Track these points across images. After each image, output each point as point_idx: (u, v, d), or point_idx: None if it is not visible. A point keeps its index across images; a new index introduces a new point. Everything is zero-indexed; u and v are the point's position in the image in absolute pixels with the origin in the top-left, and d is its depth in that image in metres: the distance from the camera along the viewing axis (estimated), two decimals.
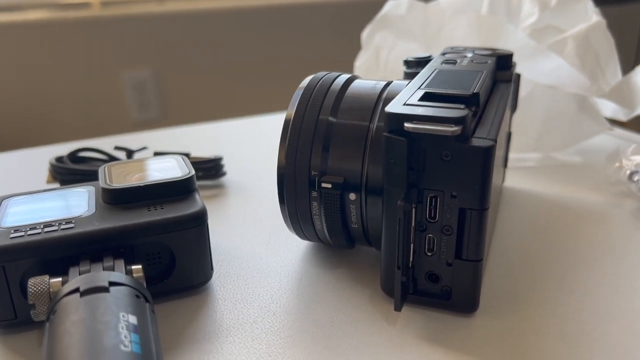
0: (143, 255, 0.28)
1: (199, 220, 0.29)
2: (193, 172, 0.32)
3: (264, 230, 0.37)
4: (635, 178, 0.39)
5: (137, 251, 0.28)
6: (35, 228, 0.27)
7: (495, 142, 0.25)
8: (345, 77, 0.33)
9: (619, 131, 0.53)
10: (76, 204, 0.30)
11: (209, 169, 0.43)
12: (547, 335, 0.27)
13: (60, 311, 0.22)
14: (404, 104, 0.27)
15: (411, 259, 0.28)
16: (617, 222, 0.37)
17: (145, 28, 1.43)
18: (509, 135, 0.41)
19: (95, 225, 0.28)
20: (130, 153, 0.44)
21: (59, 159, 0.43)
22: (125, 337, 0.21)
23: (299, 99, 0.32)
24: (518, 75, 0.40)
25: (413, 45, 0.48)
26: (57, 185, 0.43)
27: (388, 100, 0.30)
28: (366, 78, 0.51)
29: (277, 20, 1.56)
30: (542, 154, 0.48)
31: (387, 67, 0.50)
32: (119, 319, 0.21)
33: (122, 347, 0.20)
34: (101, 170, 0.33)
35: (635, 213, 0.38)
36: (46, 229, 0.27)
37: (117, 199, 0.30)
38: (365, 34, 0.53)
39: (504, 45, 0.44)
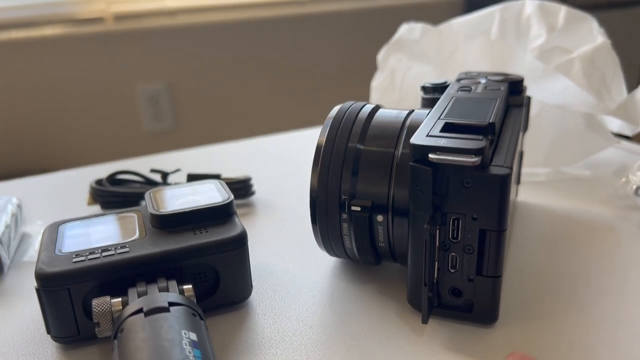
0: (191, 275, 0.31)
1: (241, 242, 0.32)
2: (232, 197, 0.35)
3: (294, 247, 0.40)
4: None
5: (185, 271, 0.31)
6: (94, 252, 0.30)
7: (512, 169, 0.28)
8: (370, 106, 0.36)
9: (625, 144, 0.55)
10: (127, 228, 0.33)
11: (239, 189, 0.46)
12: (561, 343, 0.29)
13: (127, 330, 0.25)
14: (427, 135, 0.29)
15: (436, 276, 0.30)
16: (624, 234, 0.40)
17: (157, 41, 1.47)
18: (522, 154, 0.44)
19: (148, 249, 0.30)
20: (165, 175, 0.46)
21: (99, 182, 0.46)
22: (189, 352, 0.23)
23: (329, 127, 0.34)
24: (529, 98, 0.43)
25: (427, 68, 0.51)
26: (97, 206, 0.45)
27: (411, 128, 0.33)
28: (383, 99, 0.54)
29: (290, 32, 1.59)
30: (552, 168, 0.50)
31: (402, 88, 0.53)
32: (182, 336, 0.24)
33: None
34: (147, 196, 0.35)
35: None
36: (104, 254, 0.30)
37: (165, 223, 0.33)
38: (380, 56, 0.55)
39: (514, 68, 0.46)
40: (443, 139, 0.29)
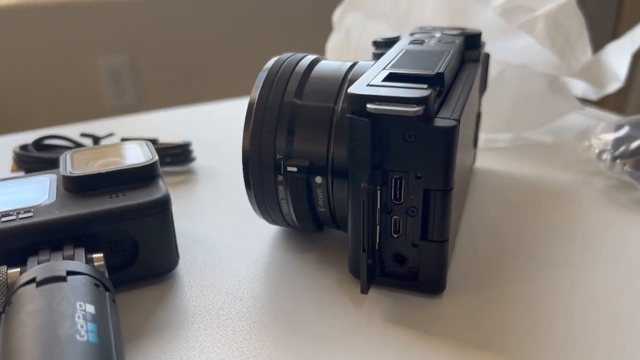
0: (105, 243, 0.28)
1: (163, 206, 0.29)
2: (156, 157, 0.31)
3: (233, 216, 0.36)
4: (604, 157, 0.39)
5: (98, 240, 0.28)
6: None
7: (459, 122, 0.25)
8: (310, 58, 0.32)
9: (590, 110, 0.53)
10: (36, 192, 0.29)
11: (178, 155, 0.42)
12: (512, 313, 0.27)
13: (15, 302, 0.22)
14: (368, 85, 0.26)
15: (377, 241, 0.27)
16: (586, 200, 0.38)
17: (119, 13, 1.40)
18: (479, 115, 0.41)
19: (54, 213, 0.27)
20: (96, 140, 0.43)
21: (24, 147, 0.42)
22: (81, 326, 0.20)
23: (262, 81, 0.31)
24: (487, 55, 0.40)
25: (384, 26, 0.47)
26: (21, 174, 0.42)
27: (353, 81, 0.30)
28: (338, 59, 0.51)
29: (252, 3, 1.54)
30: (514, 134, 0.48)
31: (358, 48, 0.49)
32: (76, 308, 0.21)
33: (78, 337, 0.20)
34: (62, 158, 0.32)
35: (603, 191, 0.38)
36: (3, 219, 0.26)
37: (78, 186, 0.29)
38: (336, 16, 0.52)
39: (473, 24, 0.43)
40: (384, 89, 0.26)
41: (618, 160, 0.38)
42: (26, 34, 1.32)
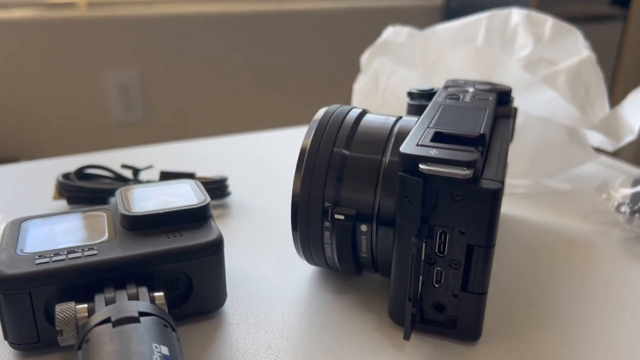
0: (162, 281, 0.29)
1: (217, 247, 0.30)
2: (209, 199, 0.33)
3: (270, 253, 0.38)
4: (622, 209, 0.41)
5: (157, 277, 0.29)
6: (59, 254, 0.28)
7: (503, 183, 0.27)
8: (357, 111, 0.34)
9: (604, 159, 0.55)
10: (96, 229, 0.31)
11: (214, 190, 0.44)
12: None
13: (93, 341, 0.23)
14: (418, 144, 0.28)
15: (419, 290, 0.29)
16: (605, 250, 0.40)
17: (131, 30, 1.43)
18: (506, 165, 0.43)
19: (117, 252, 0.29)
20: (136, 172, 0.44)
21: (66, 176, 0.43)
22: None
23: (314, 130, 0.33)
24: (516, 109, 0.42)
25: (411, 72, 0.50)
26: (63, 201, 0.43)
27: (399, 135, 0.32)
28: (365, 102, 0.53)
29: (269, 28, 1.57)
30: (533, 180, 0.50)
31: (385, 92, 0.52)
32: (152, 350, 0.22)
33: None
34: (118, 195, 0.34)
35: (621, 243, 0.40)
36: (70, 256, 0.28)
37: (136, 225, 0.31)
38: (364, 58, 0.54)
39: (499, 76, 0.46)
40: (434, 149, 0.28)
41: (637, 215, 0.40)
42: (38, 47, 1.34)
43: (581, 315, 0.32)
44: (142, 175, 0.45)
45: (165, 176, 0.44)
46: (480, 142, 0.29)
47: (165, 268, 0.29)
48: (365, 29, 1.71)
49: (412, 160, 0.27)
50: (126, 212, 0.31)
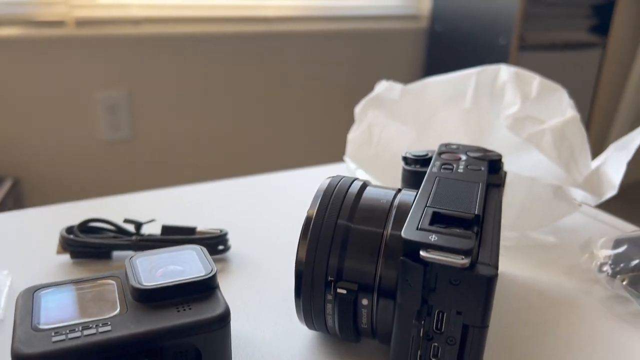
0: (172, 353, 0.31)
1: (225, 321, 0.32)
2: (215, 269, 0.34)
3: (271, 315, 0.39)
4: (604, 269, 0.43)
5: (167, 350, 0.30)
6: (74, 330, 0.29)
7: (497, 268, 0.29)
8: (359, 183, 0.36)
9: (588, 209, 0.58)
10: (107, 300, 0.32)
11: (214, 245, 0.45)
12: None
13: None
14: (417, 228, 0.30)
15: None
16: (587, 310, 0.42)
17: (119, 49, 1.44)
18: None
19: (131, 328, 0.30)
20: (139, 226, 0.45)
21: (69, 230, 0.44)
22: None
23: (319, 200, 0.35)
24: (505, 174, 0.44)
25: (404, 128, 0.52)
26: (66, 255, 0.44)
27: (399, 209, 0.34)
28: (359, 152, 0.55)
29: (259, 50, 1.59)
30: (519, 233, 0.52)
31: (379, 144, 0.53)
32: None
33: None
34: (127, 265, 0.35)
35: (603, 302, 0.43)
36: (85, 332, 0.29)
37: (147, 298, 0.32)
38: (358, 110, 0.56)
39: (489, 138, 0.48)
40: (433, 235, 0.29)
41: (618, 276, 0.42)
42: (26, 65, 1.34)
43: None
44: (145, 229, 0.46)
45: (167, 231, 0.45)
46: (475, 223, 0.31)
47: (175, 342, 0.30)
48: (352, 52, 1.74)
49: (414, 247, 0.29)
50: (138, 285, 0.32)
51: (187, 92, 1.55)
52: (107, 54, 1.43)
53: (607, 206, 0.60)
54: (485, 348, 0.30)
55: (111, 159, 1.53)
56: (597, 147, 0.54)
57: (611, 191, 0.51)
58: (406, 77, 1.77)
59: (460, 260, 0.28)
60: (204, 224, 0.47)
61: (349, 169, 0.59)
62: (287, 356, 0.36)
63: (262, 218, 0.54)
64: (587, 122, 1.88)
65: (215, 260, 0.45)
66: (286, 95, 1.68)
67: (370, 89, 0.56)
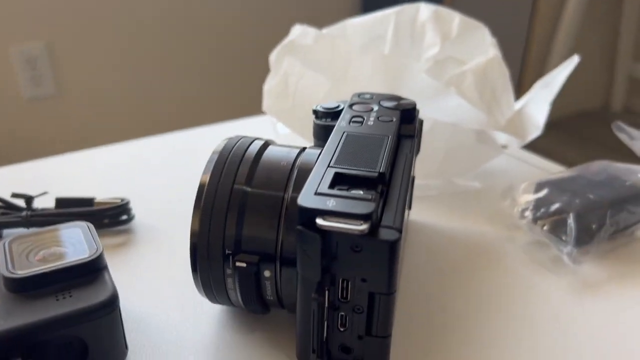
0: (53, 348, 0.28)
1: (112, 306, 0.29)
2: (101, 248, 0.31)
3: (175, 290, 0.37)
4: (526, 214, 0.42)
5: (47, 345, 0.27)
6: None
7: (401, 232, 0.27)
8: (259, 143, 0.33)
9: (514, 151, 0.57)
10: None
11: (116, 215, 0.42)
12: None
13: None
14: (316, 193, 0.27)
15: (324, 335, 0.29)
16: (510, 258, 0.41)
17: None
18: (413, 179, 0.43)
19: (0, 324, 0.26)
20: (29, 200, 0.41)
21: None
22: None
23: (213, 164, 0.32)
24: (421, 122, 0.42)
25: (321, 77, 0.48)
26: None
27: (301, 170, 0.31)
28: (276, 105, 0.52)
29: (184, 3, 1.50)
30: (444, 180, 0.50)
31: (295, 95, 0.50)
32: None
33: None
34: (1, 250, 0.31)
35: (524, 248, 0.42)
36: None
37: (21, 287, 0.29)
38: (273, 57, 0.52)
39: (407, 84, 0.45)
40: (332, 199, 0.27)
41: (538, 222, 0.41)
42: None
43: (487, 334, 0.34)
44: (37, 202, 0.42)
45: (62, 203, 0.41)
46: (379, 181, 0.29)
47: (55, 336, 0.27)
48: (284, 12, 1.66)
49: (310, 214, 0.26)
50: (9, 274, 0.29)
51: (111, 41, 1.46)
52: (21, 2, 1.32)
53: (546, 140, 0.59)
54: (394, 312, 0.29)
55: (34, 118, 1.44)
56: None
57: (535, 132, 0.50)
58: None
59: (359, 227, 0.25)
60: (105, 193, 0.43)
61: (270, 122, 0.56)
62: (192, 335, 0.33)
63: (169, 182, 0.50)
64: (523, 59, 1.89)
65: (116, 232, 0.42)
66: (210, 39, 1.60)
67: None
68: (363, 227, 0.25)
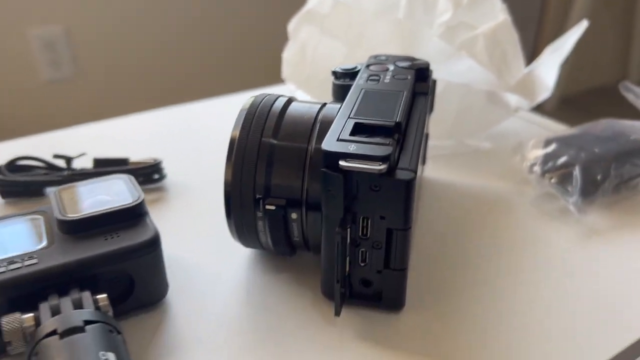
0: (104, 282, 0.31)
1: (154, 245, 0.32)
2: (142, 195, 0.34)
3: (208, 237, 0.40)
4: (534, 169, 0.45)
5: (98, 279, 0.31)
6: None
7: (416, 172, 0.30)
8: (283, 100, 0.36)
9: (523, 113, 0.59)
10: (33, 234, 0.32)
11: (149, 174, 0.45)
12: (463, 324, 0.32)
13: (42, 354, 0.25)
14: (338, 139, 0.30)
15: (347, 270, 0.32)
16: (520, 211, 0.43)
17: None
18: (427, 136, 0.45)
19: (58, 259, 0.30)
20: (69, 160, 0.44)
21: None
22: None
23: (242, 120, 0.34)
24: (434, 82, 0.44)
25: (337, 44, 0.51)
26: None
27: (323, 123, 0.34)
28: (295, 73, 0.54)
29: None
30: (455, 140, 0.53)
31: (313, 63, 0.52)
32: (99, 358, 0.24)
33: None
34: (53, 197, 0.34)
35: (532, 201, 0.44)
36: (11, 267, 0.29)
37: (73, 229, 0.32)
38: (291, 26, 0.55)
39: (422, 48, 0.47)
40: (353, 144, 0.29)
41: (546, 175, 0.43)
42: None
43: (498, 276, 0.36)
44: (76, 163, 0.45)
45: (99, 163, 0.45)
46: (396, 130, 0.31)
47: (106, 270, 0.31)
48: None
49: (333, 157, 0.29)
50: (62, 217, 0.32)
51: (131, 26, 1.48)
52: None
53: (561, 115, 0.61)
54: (410, 247, 0.31)
55: (54, 100, 1.47)
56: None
57: (545, 93, 0.52)
58: None
59: (378, 167, 0.28)
60: (138, 156, 0.47)
61: (289, 90, 0.58)
62: (224, 275, 0.36)
63: (197, 146, 0.54)
64: (537, 31, 1.89)
65: (151, 190, 0.45)
66: (227, 17, 1.62)
67: None
68: (382, 167, 0.28)
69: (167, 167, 0.47)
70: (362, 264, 0.32)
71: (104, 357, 0.24)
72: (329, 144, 0.30)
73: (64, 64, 1.46)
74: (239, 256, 0.38)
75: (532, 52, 0.52)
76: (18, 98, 1.42)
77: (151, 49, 1.54)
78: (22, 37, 1.37)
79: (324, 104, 0.36)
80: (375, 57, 0.43)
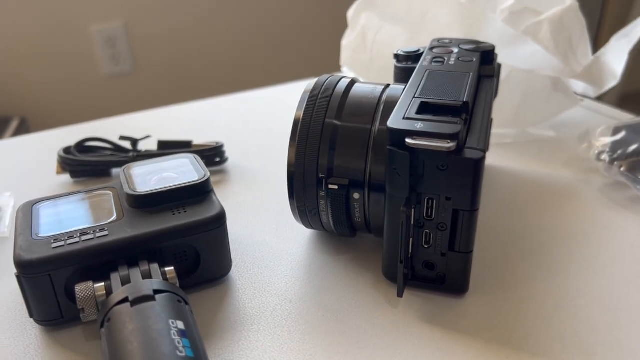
0: (171, 255, 0.32)
1: (220, 221, 0.32)
2: (208, 173, 0.35)
3: (270, 218, 0.40)
4: (602, 157, 0.43)
5: (166, 252, 0.31)
6: (73, 237, 0.30)
7: (485, 152, 0.29)
8: (346, 81, 0.36)
9: (588, 103, 0.57)
10: (104, 209, 0.33)
11: (211, 157, 0.45)
12: (527, 310, 0.31)
13: (114, 320, 0.26)
14: (404, 118, 0.30)
15: (410, 251, 0.31)
16: (586, 198, 0.42)
17: None
18: (491, 121, 0.44)
19: (128, 232, 0.31)
20: (135, 142, 0.46)
21: (67, 150, 0.45)
22: (178, 342, 0.24)
23: (306, 102, 0.34)
24: (499, 66, 0.43)
25: (398, 29, 0.50)
26: (66, 175, 0.45)
27: (387, 104, 0.33)
28: (354, 58, 0.54)
29: None
30: (518, 129, 0.51)
31: (373, 48, 0.52)
32: (169, 326, 0.25)
33: (178, 353, 0.24)
34: (122, 174, 0.35)
35: (601, 190, 0.43)
36: (83, 238, 0.30)
37: (142, 204, 0.33)
38: (351, 13, 0.54)
39: (484, 32, 0.46)
40: (419, 122, 0.29)
41: (615, 163, 0.42)
42: (19, 2, 1.32)
43: (562, 266, 0.35)
44: (141, 145, 0.47)
45: (164, 145, 0.46)
46: (464, 110, 0.31)
47: (173, 243, 0.31)
48: None
49: (399, 135, 0.29)
50: (132, 192, 0.33)
51: (188, 21, 1.52)
52: None
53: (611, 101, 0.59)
54: (476, 232, 0.31)
55: (114, 93, 1.52)
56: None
57: (612, 81, 0.50)
58: None
59: (446, 145, 0.28)
60: (201, 139, 0.47)
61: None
62: (286, 255, 0.36)
63: (258, 130, 0.54)
64: (596, 35, 1.82)
65: (213, 173, 0.46)
66: (296, 23, 1.63)
67: None
68: (450, 144, 0.28)
69: (228, 151, 0.48)
70: (426, 246, 0.32)
71: (173, 325, 0.25)
72: (395, 121, 0.29)
73: (123, 59, 1.50)
74: (300, 237, 0.38)
75: (594, 40, 0.50)
76: (81, 92, 1.47)
77: (206, 43, 1.56)
78: (85, 33, 1.42)
79: (388, 85, 0.36)
80: (439, 40, 0.42)
